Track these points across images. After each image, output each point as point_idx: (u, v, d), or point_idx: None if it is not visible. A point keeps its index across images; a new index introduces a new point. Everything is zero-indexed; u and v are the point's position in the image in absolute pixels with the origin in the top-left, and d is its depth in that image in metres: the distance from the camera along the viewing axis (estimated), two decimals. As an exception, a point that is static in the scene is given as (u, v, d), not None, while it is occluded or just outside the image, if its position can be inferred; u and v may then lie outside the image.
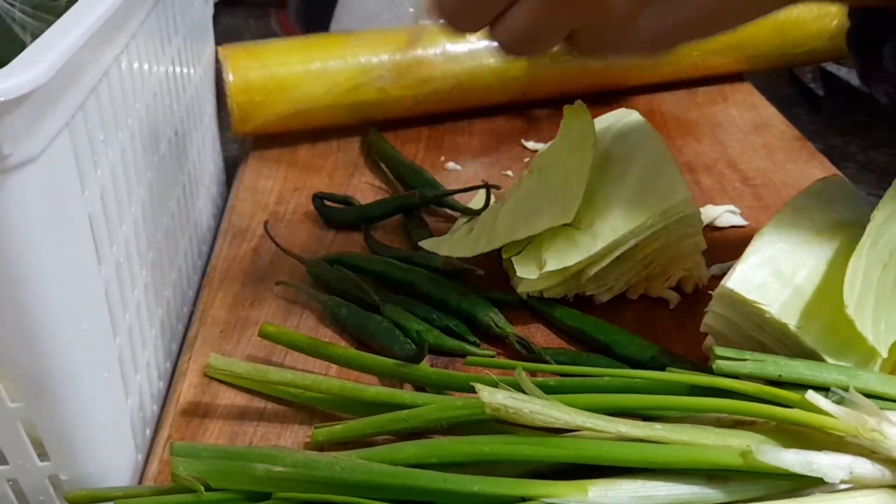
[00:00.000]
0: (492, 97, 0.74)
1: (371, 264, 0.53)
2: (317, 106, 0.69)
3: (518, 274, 0.49)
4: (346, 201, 0.61)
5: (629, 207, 0.47)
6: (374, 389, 0.41)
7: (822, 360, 0.38)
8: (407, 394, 0.40)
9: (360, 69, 0.69)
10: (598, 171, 0.49)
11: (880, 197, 0.43)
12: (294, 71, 0.68)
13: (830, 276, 0.40)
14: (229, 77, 0.67)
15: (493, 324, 0.47)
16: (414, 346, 0.44)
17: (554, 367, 0.43)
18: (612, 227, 0.47)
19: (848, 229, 0.42)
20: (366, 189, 0.65)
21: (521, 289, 0.49)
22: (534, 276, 0.48)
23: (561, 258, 0.47)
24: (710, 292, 0.41)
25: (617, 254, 0.47)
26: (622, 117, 0.53)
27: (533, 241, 0.49)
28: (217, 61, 0.69)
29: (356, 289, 0.50)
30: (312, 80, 0.68)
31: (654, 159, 0.50)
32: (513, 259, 0.49)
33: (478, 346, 0.47)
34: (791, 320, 0.39)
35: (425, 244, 0.53)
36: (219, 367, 0.44)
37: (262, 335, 0.43)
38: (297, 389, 0.43)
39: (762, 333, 0.40)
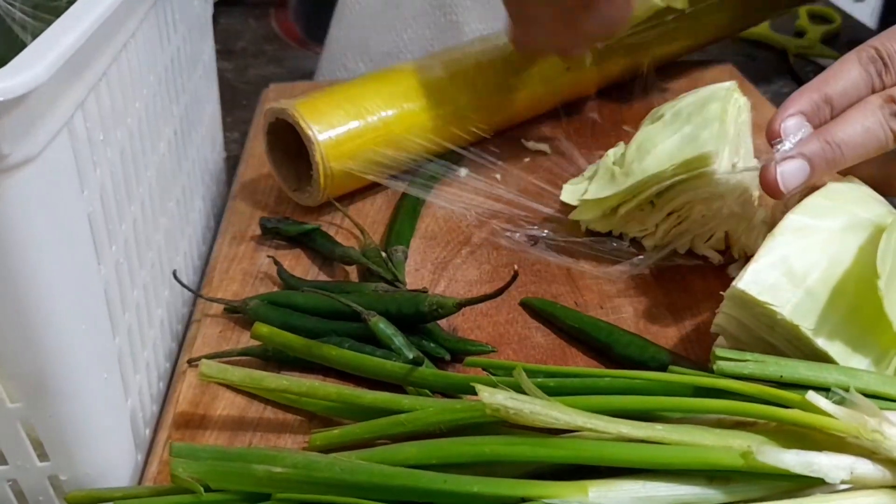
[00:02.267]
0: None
1: (302, 299, 0.50)
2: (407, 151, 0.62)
3: (561, 198, 0.57)
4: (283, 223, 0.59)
5: (665, 156, 0.52)
6: (372, 394, 0.40)
7: (833, 361, 0.38)
8: (405, 398, 0.40)
9: (448, 103, 0.64)
10: (661, 122, 0.55)
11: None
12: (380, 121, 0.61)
13: (843, 278, 0.40)
14: (317, 146, 0.58)
15: (437, 306, 0.46)
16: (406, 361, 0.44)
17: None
18: (643, 170, 0.52)
19: (861, 231, 0.42)
20: (364, 193, 0.65)
21: (573, 216, 0.56)
22: (574, 203, 0.55)
23: (598, 190, 0.54)
24: (720, 293, 0.41)
25: (643, 197, 0.52)
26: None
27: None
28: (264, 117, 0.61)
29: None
30: (399, 125, 0.61)
31: (708, 118, 0.53)
32: (564, 185, 0.57)
33: (447, 358, 0.47)
34: (803, 322, 0.38)
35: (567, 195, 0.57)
36: (211, 374, 0.43)
37: (255, 336, 0.43)
38: (294, 396, 0.43)
39: (773, 335, 0.40)
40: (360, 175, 0.60)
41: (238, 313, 0.51)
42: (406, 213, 0.60)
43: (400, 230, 0.58)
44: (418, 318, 0.47)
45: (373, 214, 0.62)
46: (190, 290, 0.53)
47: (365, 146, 0.60)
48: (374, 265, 0.53)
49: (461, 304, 0.46)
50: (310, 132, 0.58)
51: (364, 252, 0.55)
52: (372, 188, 0.64)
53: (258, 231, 0.60)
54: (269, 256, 0.56)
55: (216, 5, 0.69)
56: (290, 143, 0.61)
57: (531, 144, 0.70)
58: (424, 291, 0.48)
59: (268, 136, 0.61)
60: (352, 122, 0.59)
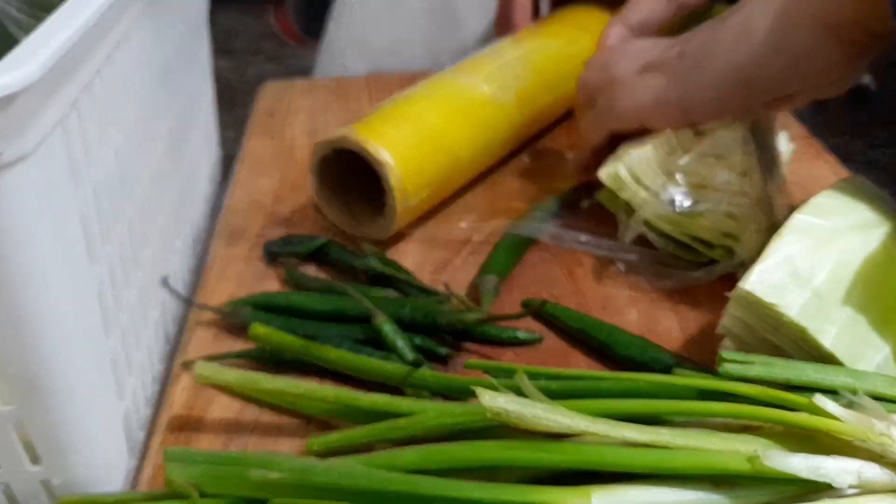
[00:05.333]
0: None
1: (301, 300, 0.49)
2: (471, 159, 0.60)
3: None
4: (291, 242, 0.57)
5: None
6: (370, 397, 0.40)
7: (839, 363, 0.37)
8: (404, 400, 0.39)
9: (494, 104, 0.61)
10: None
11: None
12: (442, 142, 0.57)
13: (849, 278, 0.39)
14: (390, 169, 0.53)
15: (456, 322, 0.46)
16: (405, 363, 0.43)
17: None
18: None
19: (868, 230, 0.41)
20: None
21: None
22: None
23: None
24: (726, 294, 0.41)
25: None
26: None
27: None
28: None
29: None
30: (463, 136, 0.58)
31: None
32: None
33: (452, 356, 0.46)
34: (809, 323, 0.38)
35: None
36: (207, 375, 0.42)
37: (252, 337, 0.42)
38: (291, 398, 0.42)
39: (779, 336, 0.40)
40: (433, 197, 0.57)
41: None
42: (509, 243, 0.55)
43: (497, 259, 0.54)
44: (430, 329, 0.46)
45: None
46: (183, 299, 0.52)
47: (434, 166, 0.56)
48: (402, 274, 0.52)
49: (482, 321, 0.46)
50: (378, 154, 0.53)
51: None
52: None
53: (254, 231, 0.59)
54: (289, 270, 0.54)
55: (213, 3, 0.69)
56: (334, 178, 0.57)
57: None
58: (440, 301, 0.47)
59: (317, 175, 0.57)
60: (416, 141, 0.55)
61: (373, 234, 0.56)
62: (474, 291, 0.52)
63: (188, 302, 0.52)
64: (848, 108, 0.86)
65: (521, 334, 0.47)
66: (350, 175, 0.56)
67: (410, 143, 0.55)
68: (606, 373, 0.38)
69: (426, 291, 0.50)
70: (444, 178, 0.57)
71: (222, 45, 1.05)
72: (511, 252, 0.54)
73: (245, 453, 0.39)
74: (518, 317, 0.47)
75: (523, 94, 0.63)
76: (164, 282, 0.50)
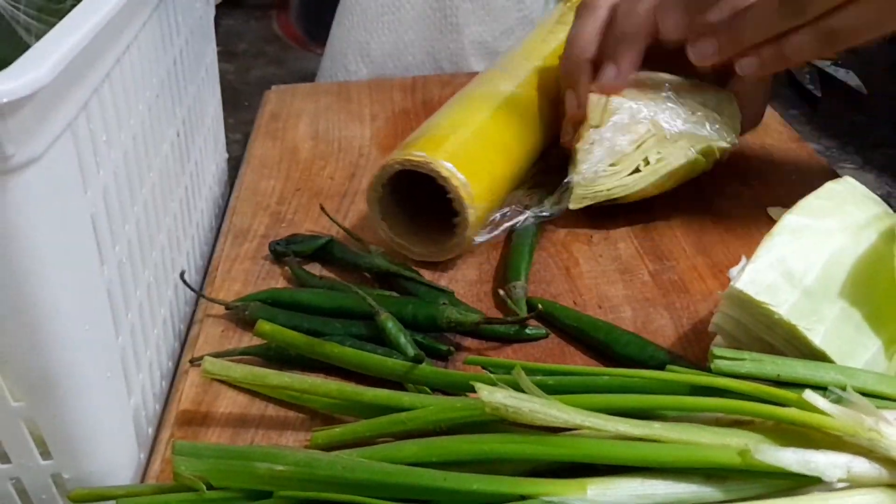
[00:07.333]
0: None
1: (306, 297, 0.50)
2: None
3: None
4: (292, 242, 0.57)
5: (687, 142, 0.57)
6: (373, 392, 0.40)
7: (829, 360, 0.38)
8: (406, 395, 0.40)
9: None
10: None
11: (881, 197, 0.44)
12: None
13: (840, 278, 0.40)
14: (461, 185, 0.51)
15: (455, 324, 0.47)
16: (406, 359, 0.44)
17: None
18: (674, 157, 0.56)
19: (858, 231, 0.42)
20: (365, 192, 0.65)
21: (576, 205, 0.55)
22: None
23: (634, 183, 0.56)
24: (719, 293, 0.41)
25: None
26: None
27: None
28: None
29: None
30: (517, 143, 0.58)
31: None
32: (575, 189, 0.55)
33: (452, 353, 0.47)
34: (800, 321, 0.39)
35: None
36: (214, 371, 0.42)
37: (258, 334, 0.43)
38: (296, 393, 0.43)
39: (771, 335, 0.40)
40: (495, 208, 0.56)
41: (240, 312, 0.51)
42: (522, 245, 0.55)
43: (517, 264, 0.53)
44: (431, 329, 0.47)
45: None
46: (196, 292, 0.53)
47: (492, 166, 0.55)
48: (408, 272, 0.52)
49: (478, 324, 0.47)
50: (445, 171, 0.51)
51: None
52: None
53: (260, 231, 0.60)
54: (294, 269, 0.55)
55: (218, 7, 0.69)
56: (394, 204, 0.55)
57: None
58: (444, 302, 0.48)
59: (378, 209, 0.54)
60: (477, 150, 0.54)
61: (442, 253, 0.55)
62: (477, 289, 0.53)
63: (202, 295, 0.53)
64: (842, 110, 0.87)
65: (529, 330, 0.48)
66: (400, 203, 0.55)
67: (468, 149, 0.54)
68: (602, 369, 0.39)
69: (433, 289, 0.51)
70: (503, 179, 0.56)
71: (225, 48, 1.06)
72: (528, 252, 0.55)
73: (251, 447, 0.39)
74: (522, 320, 0.48)
75: (550, 94, 0.63)
76: (182, 277, 0.51)
